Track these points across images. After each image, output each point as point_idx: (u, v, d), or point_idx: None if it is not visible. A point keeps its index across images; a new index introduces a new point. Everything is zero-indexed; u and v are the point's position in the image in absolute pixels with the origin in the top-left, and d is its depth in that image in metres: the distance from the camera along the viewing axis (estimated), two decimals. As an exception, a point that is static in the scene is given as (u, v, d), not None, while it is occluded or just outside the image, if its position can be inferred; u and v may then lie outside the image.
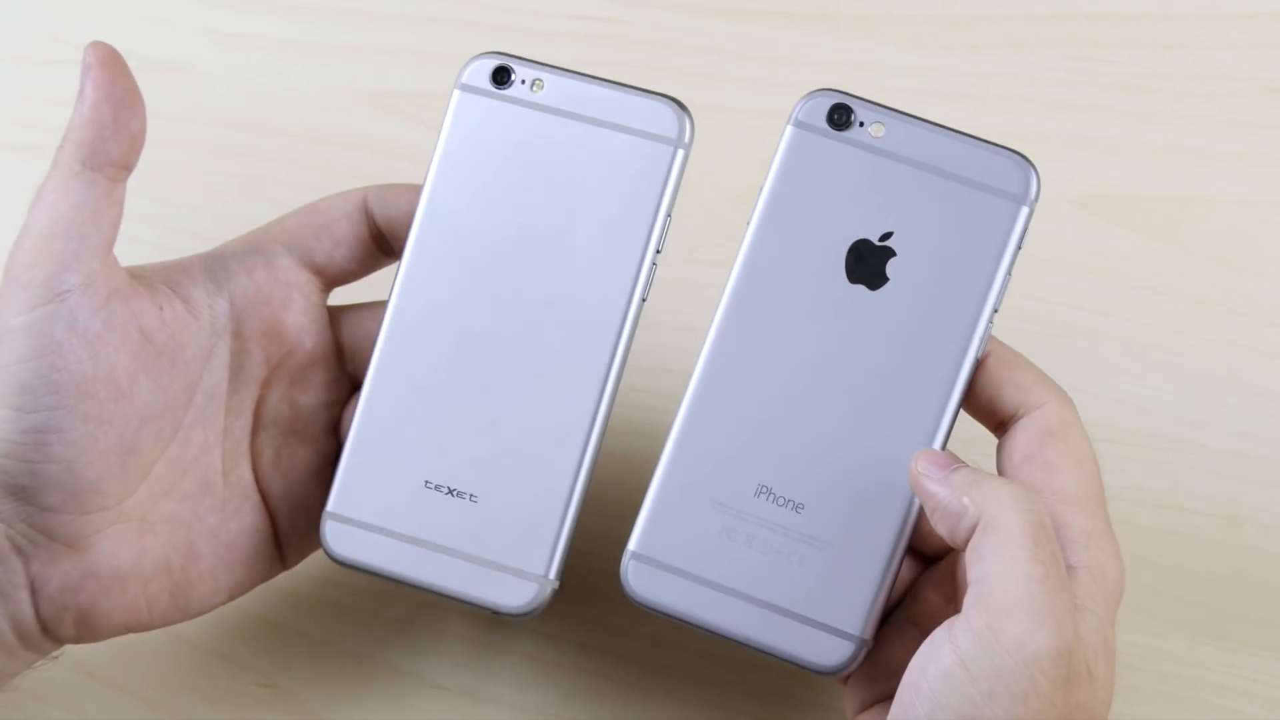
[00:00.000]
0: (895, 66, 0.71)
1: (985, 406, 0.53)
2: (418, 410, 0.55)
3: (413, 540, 0.55)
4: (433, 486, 0.55)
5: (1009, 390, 0.53)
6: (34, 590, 0.52)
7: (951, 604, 0.54)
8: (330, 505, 0.56)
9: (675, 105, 0.55)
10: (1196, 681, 0.61)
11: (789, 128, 0.54)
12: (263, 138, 0.71)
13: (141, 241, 0.69)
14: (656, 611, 0.53)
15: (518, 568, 0.54)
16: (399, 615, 0.62)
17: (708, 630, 0.53)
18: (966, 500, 0.50)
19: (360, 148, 0.71)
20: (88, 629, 0.53)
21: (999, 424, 0.54)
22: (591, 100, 0.55)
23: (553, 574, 0.54)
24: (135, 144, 0.53)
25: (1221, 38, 0.71)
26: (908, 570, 0.55)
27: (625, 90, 0.55)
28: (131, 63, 0.73)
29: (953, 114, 0.70)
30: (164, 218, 0.70)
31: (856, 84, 0.71)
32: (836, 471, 0.53)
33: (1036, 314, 0.66)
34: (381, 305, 0.57)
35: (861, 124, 0.54)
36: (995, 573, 0.48)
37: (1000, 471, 0.53)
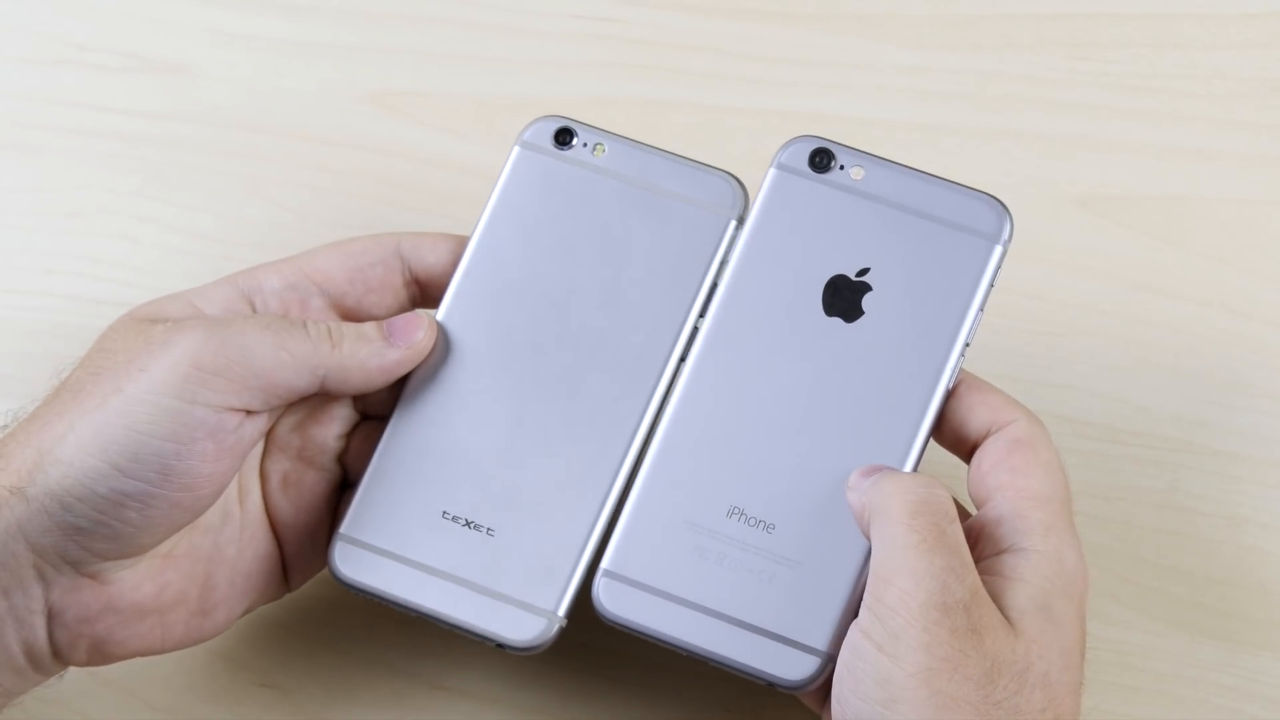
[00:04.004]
0: (895, 66, 0.71)
1: (957, 430, 0.55)
2: (443, 444, 0.56)
3: (421, 567, 0.55)
4: (450, 518, 0.55)
5: (980, 411, 0.54)
6: (51, 617, 0.52)
7: None
8: (343, 528, 0.56)
9: (733, 180, 0.57)
10: (1196, 681, 0.61)
11: (771, 170, 0.56)
12: (263, 138, 0.71)
13: (141, 241, 0.69)
14: (626, 628, 0.54)
15: (527, 602, 0.55)
16: (399, 616, 0.62)
17: (675, 646, 0.54)
18: (864, 499, 0.52)
19: (360, 148, 0.71)
20: (99, 656, 0.54)
21: (971, 449, 0.55)
22: (651, 168, 0.57)
23: (562, 611, 0.55)
24: (378, 384, 0.56)
25: (1221, 38, 0.71)
26: None
27: (685, 162, 0.57)
28: (131, 63, 0.73)
29: (953, 114, 0.70)
30: (164, 218, 0.70)
31: (856, 84, 0.71)
32: (808, 494, 0.54)
33: (1036, 314, 0.66)
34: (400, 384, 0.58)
35: (842, 167, 0.56)
36: (878, 552, 0.50)
37: (969, 481, 0.54)
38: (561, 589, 0.55)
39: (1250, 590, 0.62)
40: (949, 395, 0.54)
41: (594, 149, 0.58)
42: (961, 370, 0.55)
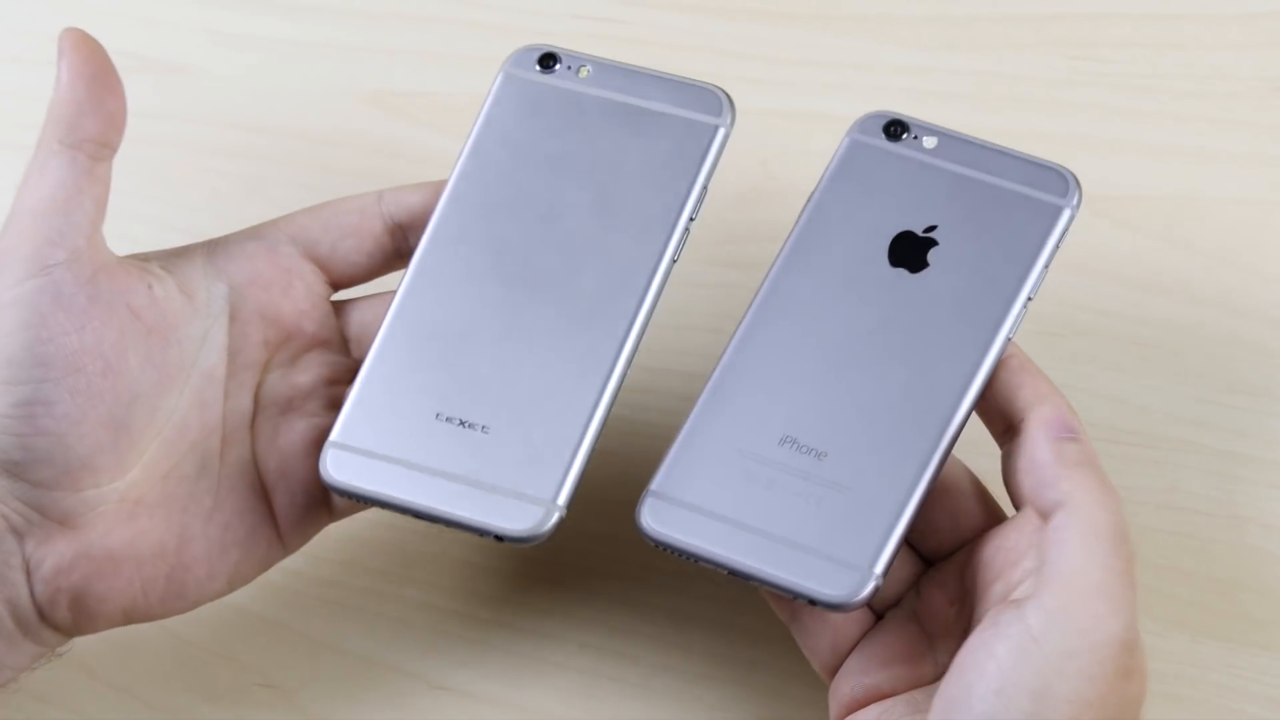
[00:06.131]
0: (895, 66, 0.71)
1: (1001, 405, 0.55)
2: (435, 348, 0.56)
3: (414, 467, 0.54)
4: (444, 419, 0.55)
5: (1026, 391, 0.54)
6: (29, 572, 0.52)
7: (954, 604, 0.54)
8: (333, 435, 0.55)
9: (720, 91, 0.58)
10: (1196, 681, 0.61)
11: (845, 138, 0.58)
12: (263, 138, 0.71)
13: (141, 241, 0.69)
14: (669, 548, 0.53)
15: (524, 492, 0.53)
16: (399, 615, 0.62)
17: (718, 565, 0.53)
18: (1063, 474, 0.51)
19: (360, 148, 0.71)
20: (83, 614, 0.53)
21: (1009, 426, 0.54)
22: (636, 85, 0.58)
23: (561, 500, 0.53)
24: (113, 122, 0.54)
25: (1221, 38, 0.71)
26: (911, 568, 0.56)
27: (671, 77, 0.58)
28: (131, 63, 0.73)
29: (953, 114, 0.70)
30: (163, 218, 0.70)
31: (856, 84, 0.71)
32: (863, 426, 0.54)
33: (1036, 314, 0.66)
34: (390, 296, 0.57)
35: (915, 137, 0.57)
36: (1078, 560, 0.49)
37: (1017, 468, 0.54)
38: (560, 478, 0.53)
39: (1251, 590, 0.62)
40: (1001, 365, 0.55)
41: (578, 71, 0.58)
42: (1014, 344, 0.55)
